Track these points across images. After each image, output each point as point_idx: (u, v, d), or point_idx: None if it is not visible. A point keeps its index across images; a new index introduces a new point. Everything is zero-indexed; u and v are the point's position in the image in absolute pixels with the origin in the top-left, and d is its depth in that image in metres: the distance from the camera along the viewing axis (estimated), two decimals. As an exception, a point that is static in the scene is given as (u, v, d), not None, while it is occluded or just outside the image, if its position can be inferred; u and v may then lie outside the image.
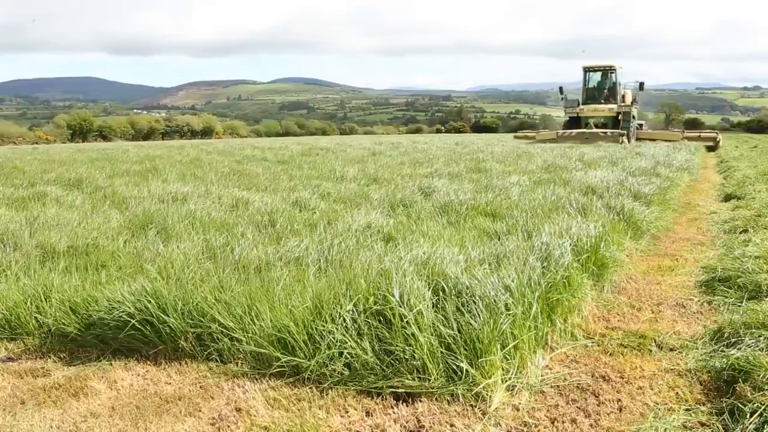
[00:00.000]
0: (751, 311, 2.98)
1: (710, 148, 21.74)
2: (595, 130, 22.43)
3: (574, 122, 24.78)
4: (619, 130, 21.24)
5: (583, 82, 25.96)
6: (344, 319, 2.58)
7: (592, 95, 25.38)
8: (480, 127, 71.64)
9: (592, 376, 2.57)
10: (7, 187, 7.84)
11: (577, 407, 2.33)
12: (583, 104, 25.21)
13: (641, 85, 25.08)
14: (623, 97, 24.28)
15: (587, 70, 25.82)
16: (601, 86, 25.34)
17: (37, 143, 41.70)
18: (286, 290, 2.96)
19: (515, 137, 29.14)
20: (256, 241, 4.14)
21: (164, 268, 3.42)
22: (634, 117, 24.30)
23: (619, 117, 23.32)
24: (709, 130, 28.42)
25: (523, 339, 2.61)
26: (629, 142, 21.22)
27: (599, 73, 25.67)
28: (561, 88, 25.81)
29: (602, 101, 24.72)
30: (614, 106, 23.91)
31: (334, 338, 2.51)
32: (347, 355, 2.48)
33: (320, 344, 2.52)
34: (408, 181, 8.02)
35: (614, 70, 25.12)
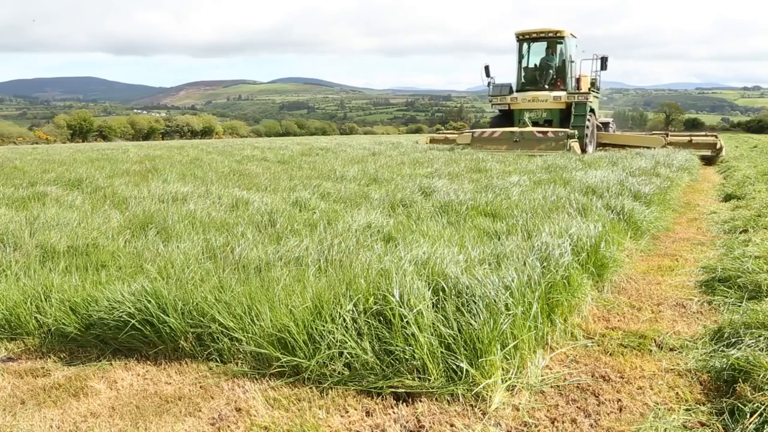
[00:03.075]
0: (751, 311, 2.97)
1: (708, 160, 15.14)
2: (530, 129, 15.28)
3: (506, 118, 17.23)
4: (567, 130, 14.45)
5: (518, 59, 17.44)
6: (344, 319, 2.58)
7: (531, 78, 17.20)
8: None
9: (592, 376, 2.57)
10: (7, 187, 7.83)
11: (577, 407, 2.33)
12: (518, 91, 17.15)
13: (603, 61, 16.72)
14: (578, 81, 16.49)
15: (523, 39, 17.09)
16: (546, 64, 17.05)
17: (37, 143, 41.74)
18: (286, 290, 2.96)
19: (431, 140, 20.48)
20: (256, 241, 4.14)
21: (164, 268, 3.42)
22: (593, 111, 16.64)
23: (572, 110, 15.88)
24: (704, 133, 19.64)
25: (523, 339, 2.61)
26: (585, 149, 15.04)
27: (542, 45, 17.17)
28: (487, 68, 17.53)
29: (546, 87, 16.76)
30: (562, 93, 16.21)
31: (334, 338, 2.51)
32: (347, 355, 2.48)
33: (320, 344, 2.52)
34: (408, 181, 8.02)
35: (562, 39, 16.46)
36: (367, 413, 2.28)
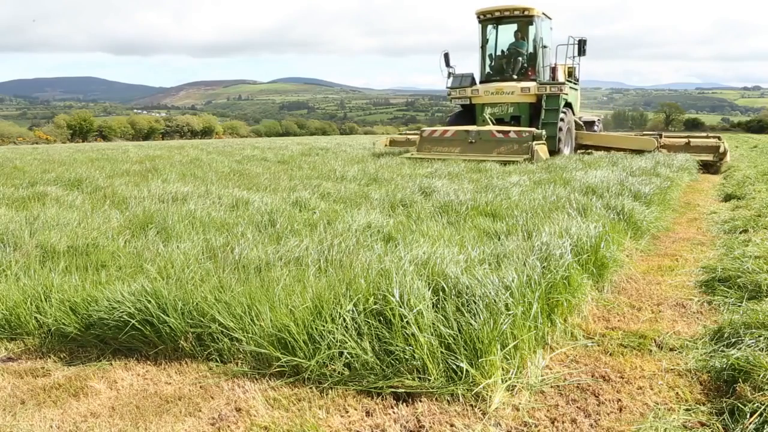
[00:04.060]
0: (751, 311, 2.97)
1: (709, 167, 13.00)
2: (489, 127, 12.66)
3: (467, 115, 14.42)
4: (533, 130, 11.94)
5: (480, 44, 14.43)
6: (344, 319, 2.58)
7: (498, 67, 14.38)
8: (480, 127, 71.40)
9: (592, 376, 2.57)
10: (7, 187, 7.84)
11: (577, 407, 2.33)
12: (481, 83, 14.31)
13: (581, 45, 13.71)
14: (553, 70, 14.01)
15: (485, 19, 14.19)
16: (515, 50, 14.23)
17: (37, 143, 41.77)
18: (286, 290, 2.96)
19: (391, 142, 16.76)
20: (256, 241, 4.14)
21: (164, 268, 3.42)
22: (570, 106, 14.04)
23: (542, 104, 13.15)
24: (705, 134, 16.37)
25: (523, 339, 2.61)
26: (559, 151, 12.84)
27: (510, 28, 14.33)
28: (446, 56, 14.48)
29: (513, 77, 13.95)
30: (531, 84, 13.43)
31: (334, 338, 2.51)
32: (347, 355, 2.48)
33: (320, 344, 2.52)
34: (408, 181, 8.02)
35: (531, 18, 13.66)
36: (367, 413, 2.28)
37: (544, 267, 3.25)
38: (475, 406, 2.28)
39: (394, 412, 2.27)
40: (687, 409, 2.25)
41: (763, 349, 2.49)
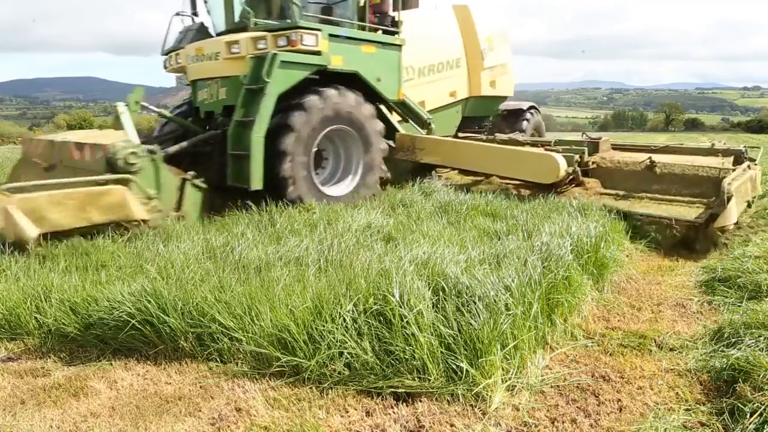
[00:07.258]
0: (751, 311, 2.98)
1: (690, 238, 4.81)
2: (71, 137, 5.37)
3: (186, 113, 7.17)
4: (115, 144, 4.66)
5: None
6: (344, 319, 2.58)
7: (253, 4, 6.34)
8: (480, 127, 71.00)
9: (592, 376, 2.57)
10: (7, 187, 7.82)
11: (577, 407, 2.33)
12: (218, 35, 6.78)
13: None
14: (363, 8, 6.55)
15: None
16: None
17: (37, 143, 41.75)
18: (286, 290, 2.96)
19: None
20: (256, 241, 4.14)
21: (164, 268, 3.42)
22: (357, 81, 6.34)
23: (242, 81, 5.68)
24: (710, 145, 6.18)
25: (523, 339, 2.61)
26: (285, 192, 5.52)
27: None
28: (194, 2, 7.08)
29: (270, 23, 6.13)
30: (243, 36, 5.88)
31: (334, 338, 2.51)
32: (347, 355, 2.48)
33: (320, 344, 2.52)
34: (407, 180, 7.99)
35: None
36: (367, 413, 2.28)
37: (544, 267, 3.24)
38: (475, 406, 2.28)
39: (394, 412, 2.27)
40: (687, 409, 2.25)
41: (763, 349, 2.49)
